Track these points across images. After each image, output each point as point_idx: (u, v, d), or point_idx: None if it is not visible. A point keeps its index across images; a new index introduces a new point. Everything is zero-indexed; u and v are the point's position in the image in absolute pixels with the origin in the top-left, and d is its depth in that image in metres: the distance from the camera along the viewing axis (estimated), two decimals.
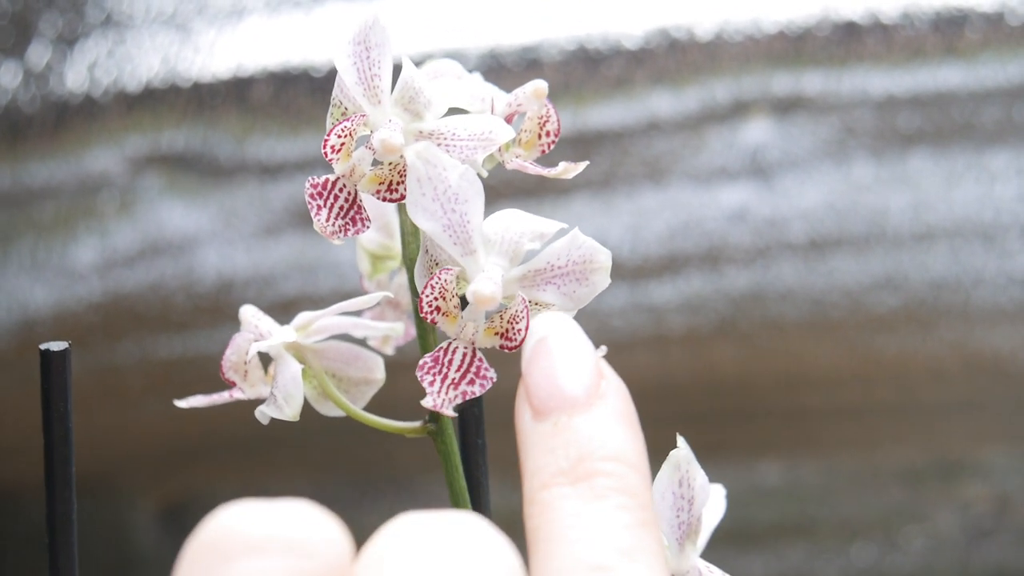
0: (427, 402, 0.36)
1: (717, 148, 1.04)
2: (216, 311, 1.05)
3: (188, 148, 1.07)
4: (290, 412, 0.39)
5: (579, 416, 0.28)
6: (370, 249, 0.44)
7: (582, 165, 0.40)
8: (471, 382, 0.37)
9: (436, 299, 0.37)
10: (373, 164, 0.38)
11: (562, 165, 0.40)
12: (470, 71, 0.42)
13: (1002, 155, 1.03)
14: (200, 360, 1.05)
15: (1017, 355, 1.05)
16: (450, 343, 0.37)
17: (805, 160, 1.04)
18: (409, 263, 0.39)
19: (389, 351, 0.44)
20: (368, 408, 0.41)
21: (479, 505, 0.40)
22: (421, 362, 0.37)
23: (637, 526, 0.27)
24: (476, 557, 0.25)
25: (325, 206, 0.38)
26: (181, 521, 1.16)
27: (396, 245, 0.43)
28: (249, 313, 0.41)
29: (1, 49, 1.09)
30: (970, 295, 1.04)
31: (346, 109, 0.39)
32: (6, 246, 1.08)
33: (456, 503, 0.39)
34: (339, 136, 0.38)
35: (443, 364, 0.37)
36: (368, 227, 0.38)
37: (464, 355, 0.37)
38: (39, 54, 1.08)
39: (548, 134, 0.40)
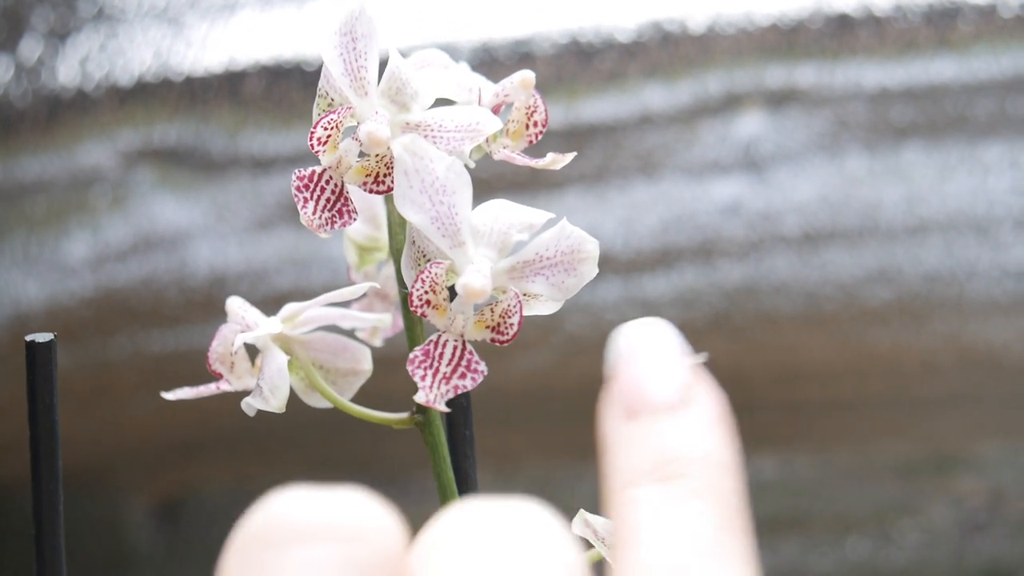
0: (419, 397, 0.36)
1: (710, 141, 1.04)
2: (209, 305, 1.05)
3: (180, 142, 1.06)
4: (276, 403, 0.39)
5: (672, 419, 0.28)
6: (357, 240, 0.44)
7: (570, 156, 0.40)
8: (462, 376, 0.37)
9: (426, 292, 0.37)
10: (360, 156, 0.38)
11: (550, 156, 0.40)
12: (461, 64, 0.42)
13: (995, 148, 1.03)
14: (193, 354, 1.05)
15: (1011, 348, 1.05)
16: (440, 336, 0.37)
17: (798, 153, 1.04)
18: (396, 254, 0.39)
19: (377, 342, 0.44)
20: (357, 402, 0.41)
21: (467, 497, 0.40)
22: (412, 356, 0.37)
23: (725, 528, 0.26)
24: (537, 548, 0.24)
25: (312, 198, 0.38)
26: (175, 516, 1.16)
27: (383, 236, 0.43)
28: (236, 304, 0.40)
29: None
30: (964, 288, 1.04)
31: (332, 100, 0.39)
32: None
33: (443, 495, 0.39)
34: (325, 128, 0.38)
35: (434, 358, 0.37)
36: (355, 220, 0.38)
37: (455, 348, 0.37)
38: (31, 48, 1.08)
39: (536, 124, 0.40)
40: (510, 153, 0.40)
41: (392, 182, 0.37)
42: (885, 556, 1.09)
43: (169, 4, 1.08)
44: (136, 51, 1.08)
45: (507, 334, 0.37)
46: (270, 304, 0.42)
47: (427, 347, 0.37)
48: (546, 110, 0.40)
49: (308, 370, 0.40)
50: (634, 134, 1.04)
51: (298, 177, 0.38)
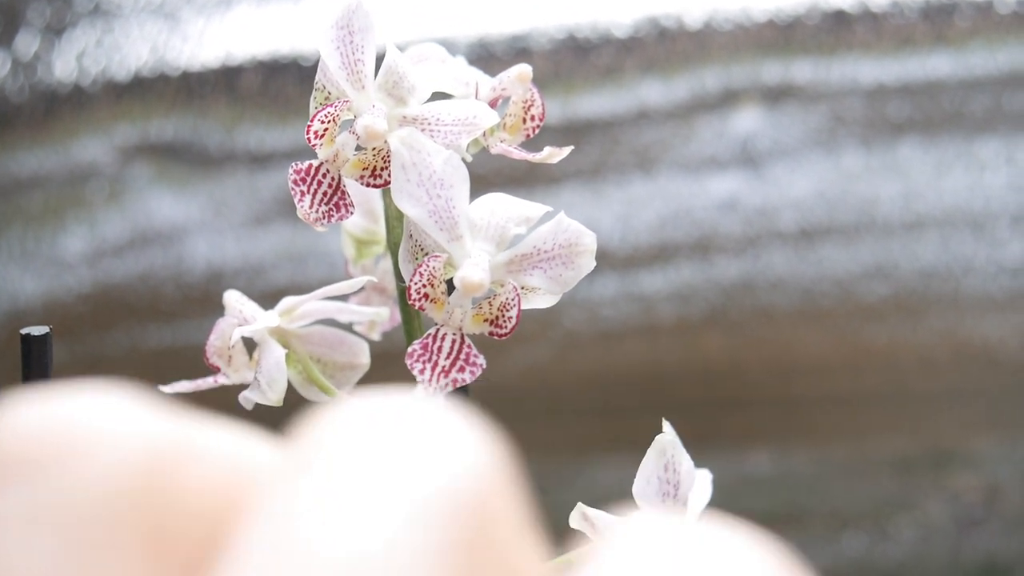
0: (418, 391, 0.36)
1: (707, 137, 1.04)
2: (206, 301, 1.05)
3: (177, 137, 1.06)
4: (273, 397, 0.39)
5: None
6: (355, 234, 0.44)
7: (567, 150, 0.40)
8: (461, 369, 0.37)
9: (424, 286, 0.37)
10: (357, 150, 0.38)
11: (547, 150, 0.40)
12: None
13: (992, 143, 1.03)
14: (190, 350, 1.05)
15: (1007, 343, 1.05)
16: (438, 330, 0.37)
17: (795, 149, 1.04)
18: (394, 248, 0.39)
19: (375, 336, 0.44)
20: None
21: None
22: (410, 350, 0.37)
23: None
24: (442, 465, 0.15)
25: (309, 192, 0.38)
26: None
27: (381, 230, 0.43)
28: (233, 298, 0.41)
29: None
30: (960, 284, 1.04)
31: (329, 94, 0.39)
32: None
33: None
34: (322, 122, 0.38)
35: (433, 352, 0.37)
36: (352, 213, 0.38)
37: (453, 342, 0.37)
38: (27, 43, 1.08)
39: (533, 118, 0.40)
40: (507, 147, 0.40)
41: (389, 176, 0.37)
42: (881, 551, 1.09)
43: None
44: (132, 46, 1.07)
45: (506, 327, 0.37)
46: (267, 299, 0.42)
47: (426, 341, 0.37)
48: (543, 104, 0.40)
49: (306, 364, 0.40)
50: (631, 130, 1.04)
51: (295, 171, 0.38)
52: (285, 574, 0.14)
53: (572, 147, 0.40)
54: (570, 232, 0.37)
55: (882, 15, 1.03)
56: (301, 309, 0.40)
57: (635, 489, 0.39)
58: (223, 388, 0.42)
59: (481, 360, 0.37)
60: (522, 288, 0.37)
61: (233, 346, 0.40)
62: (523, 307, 0.37)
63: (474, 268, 0.36)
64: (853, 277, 1.04)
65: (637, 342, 1.05)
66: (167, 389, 0.41)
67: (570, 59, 1.04)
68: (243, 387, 0.40)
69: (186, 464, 0.16)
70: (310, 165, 0.38)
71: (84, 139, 1.07)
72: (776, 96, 1.04)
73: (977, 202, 1.04)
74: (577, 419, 1.08)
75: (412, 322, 0.39)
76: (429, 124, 0.38)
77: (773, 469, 1.09)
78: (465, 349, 0.37)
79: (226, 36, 1.07)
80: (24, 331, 0.38)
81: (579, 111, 1.04)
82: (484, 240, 0.37)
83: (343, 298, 0.41)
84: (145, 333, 1.07)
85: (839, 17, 1.03)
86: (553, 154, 0.40)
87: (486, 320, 0.37)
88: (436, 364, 0.37)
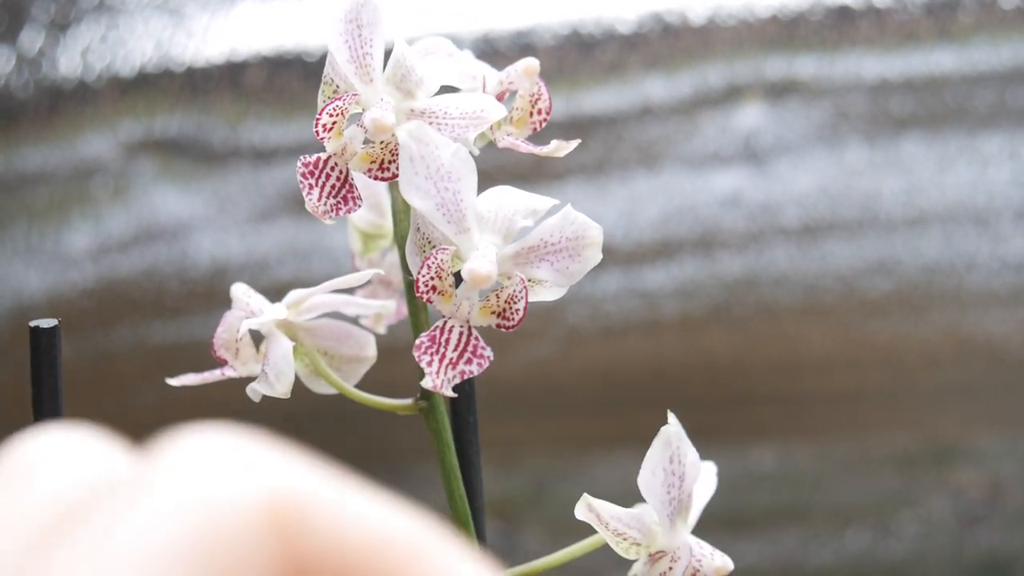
0: (427, 383, 0.36)
1: (710, 133, 1.04)
2: (210, 296, 1.05)
3: (181, 133, 1.06)
4: (281, 389, 0.39)
5: None
6: (361, 228, 0.44)
7: (573, 143, 0.40)
8: (468, 361, 0.37)
9: (432, 278, 0.37)
10: (365, 143, 0.38)
11: (554, 143, 0.40)
12: None
13: (995, 139, 1.03)
14: (194, 345, 1.05)
15: (1010, 339, 1.05)
16: (445, 322, 0.37)
17: (798, 145, 1.04)
18: (400, 241, 0.39)
19: (381, 330, 0.44)
20: (361, 390, 0.41)
21: (470, 482, 0.40)
22: (418, 342, 0.37)
23: None
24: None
25: (317, 185, 0.38)
26: None
27: (387, 224, 0.43)
28: (240, 291, 0.41)
29: None
30: (963, 279, 1.04)
31: (337, 87, 0.39)
32: (0, 232, 1.07)
33: (447, 480, 0.39)
34: (331, 115, 0.38)
35: (440, 344, 0.37)
36: (360, 206, 0.38)
37: (460, 334, 0.37)
38: (32, 39, 1.08)
39: (539, 112, 0.40)
40: (514, 140, 0.40)
41: (397, 169, 0.37)
42: (884, 547, 1.09)
43: None
44: (137, 42, 1.07)
45: (513, 320, 0.37)
46: (271, 295, 0.42)
47: (433, 333, 0.37)
48: (550, 98, 0.41)
49: (313, 356, 0.40)
50: (635, 125, 1.04)
51: (303, 163, 0.38)
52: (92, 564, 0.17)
53: (579, 140, 0.41)
54: (577, 225, 0.37)
55: (885, 11, 1.03)
56: (308, 302, 0.40)
57: (640, 480, 0.39)
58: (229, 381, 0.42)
59: (489, 352, 0.37)
60: (529, 280, 0.37)
61: (240, 338, 0.40)
62: (530, 299, 0.37)
63: (482, 260, 0.36)
64: (856, 273, 1.04)
65: (640, 338, 1.05)
66: (174, 382, 0.41)
67: (574, 55, 1.04)
68: (248, 381, 0.40)
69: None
70: (318, 158, 0.38)
71: (89, 135, 1.07)
72: (779, 92, 1.04)
73: (980, 198, 1.04)
74: (580, 415, 1.08)
75: (419, 315, 0.39)
76: (437, 117, 0.38)
77: (776, 465, 1.09)
78: (473, 341, 0.37)
79: (230, 32, 1.08)
80: (33, 324, 0.38)
81: (583, 107, 1.04)
82: (491, 233, 0.37)
83: (350, 291, 0.41)
84: (150, 329, 1.07)
85: (842, 13, 1.04)
86: (560, 147, 0.40)
87: (493, 312, 0.37)
88: (444, 356, 0.37)
